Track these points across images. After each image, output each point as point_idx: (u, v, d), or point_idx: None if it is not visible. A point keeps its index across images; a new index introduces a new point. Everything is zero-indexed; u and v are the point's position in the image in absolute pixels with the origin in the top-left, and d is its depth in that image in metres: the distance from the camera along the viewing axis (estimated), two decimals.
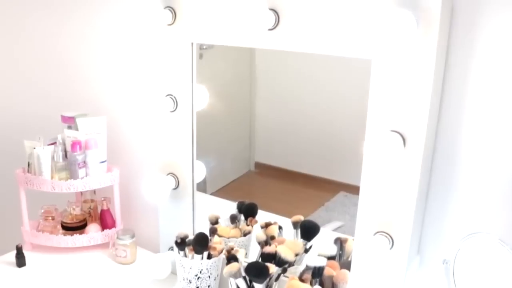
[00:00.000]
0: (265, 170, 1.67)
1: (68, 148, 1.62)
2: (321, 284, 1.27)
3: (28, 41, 1.96)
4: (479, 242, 1.16)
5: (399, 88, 1.09)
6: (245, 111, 1.62)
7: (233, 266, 1.30)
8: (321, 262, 1.28)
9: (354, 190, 1.48)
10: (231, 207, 1.58)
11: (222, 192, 1.65)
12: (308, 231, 1.44)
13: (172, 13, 1.36)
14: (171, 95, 1.44)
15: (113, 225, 1.72)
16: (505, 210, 1.13)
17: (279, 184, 1.64)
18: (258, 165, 1.67)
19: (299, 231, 1.46)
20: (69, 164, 1.61)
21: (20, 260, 1.61)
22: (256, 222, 1.53)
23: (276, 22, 1.20)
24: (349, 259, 1.38)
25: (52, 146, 1.61)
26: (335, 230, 1.49)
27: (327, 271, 1.29)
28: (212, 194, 1.65)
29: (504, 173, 1.12)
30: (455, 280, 1.20)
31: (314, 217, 1.50)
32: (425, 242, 1.26)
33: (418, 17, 1.02)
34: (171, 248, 1.57)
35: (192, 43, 1.38)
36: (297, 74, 1.51)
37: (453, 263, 1.19)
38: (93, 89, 1.81)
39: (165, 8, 1.37)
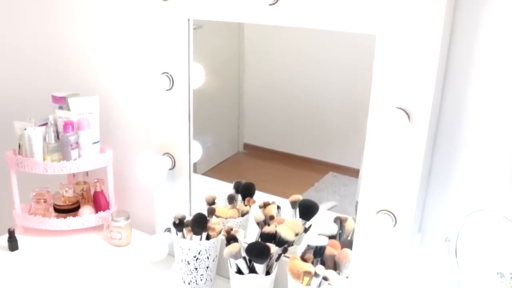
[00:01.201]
0: (253, 151, 1.65)
1: (60, 129, 1.58)
2: (322, 263, 1.26)
3: (16, 21, 1.89)
4: (482, 219, 1.16)
5: (404, 63, 1.07)
6: (233, 92, 1.59)
7: (234, 246, 1.28)
8: (323, 241, 1.27)
9: (343, 170, 1.48)
10: (223, 187, 1.56)
11: (211, 173, 1.63)
12: (307, 210, 1.43)
13: None
14: (167, 73, 1.40)
15: (107, 207, 1.69)
16: (508, 187, 1.12)
17: (267, 165, 1.63)
18: (246, 146, 1.65)
19: (297, 210, 1.44)
20: (61, 145, 1.56)
21: (13, 244, 1.57)
22: (254, 202, 1.51)
23: None
24: (349, 238, 1.37)
25: (44, 127, 1.57)
26: (329, 210, 1.48)
27: (328, 251, 1.28)
28: (202, 174, 1.63)
29: (508, 150, 1.11)
30: (457, 258, 1.19)
31: (304, 197, 1.49)
32: (426, 220, 1.25)
33: None
34: (168, 229, 1.55)
35: (188, 19, 1.34)
36: (286, 54, 1.49)
37: (455, 241, 1.19)
38: (85, 69, 1.77)
39: None
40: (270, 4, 1.17)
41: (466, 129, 1.14)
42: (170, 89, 1.41)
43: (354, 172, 1.46)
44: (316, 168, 1.53)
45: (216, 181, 1.61)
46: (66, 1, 1.73)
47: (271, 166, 1.62)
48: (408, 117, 1.09)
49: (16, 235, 1.59)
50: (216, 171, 1.63)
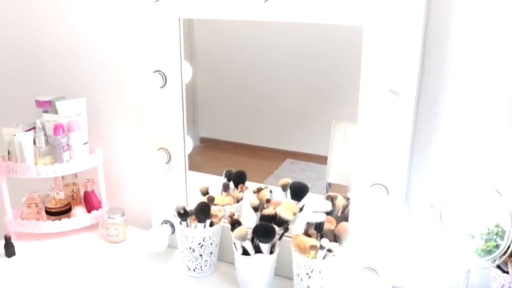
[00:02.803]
0: (211, 144, 1.71)
1: (49, 133, 1.59)
2: (322, 237, 1.36)
3: None
4: (463, 185, 1.29)
5: (390, 50, 1.18)
6: (187, 88, 1.58)
7: (242, 229, 1.36)
8: (322, 217, 1.37)
9: (299, 156, 1.57)
10: (199, 178, 1.62)
11: None
12: (299, 191, 1.52)
13: None
14: (160, 71, 1.46)
15: (99, 206, 1.72)
16: (484, 154, 1.27)
17: (226, 157, 1.69)
18: (203, 140, 1.70)
19: (288, 192, 1.54)
20: (52, 148, 1.58)
21: (10, 250, 1.57)
22: (247, 188, 1.59)
23: None
24: (339, 214, 1.48)
25: (32, 131, 1.58)
26: None
27: (326, 226, 1.39)
28: None
29: (481, 121, 1.25)
30: (442, 221, 1.33)
31: (266, 184, 1.57)
32: (411, 191, 1.38)
33: None
34: (165, 222, 1.61)
35: (179, 19, 1.40)
36: (236, 47, 1.54)
37: (440, 207, 1.32)
38: (67, 71, 1.77)
39: None
40: (265, 1, 1.25)
41: (445, 101, 1.27)
42: (163, 86, 1.47)
43: (310, 158, 1.57)
44: (274, 156, 1.60)
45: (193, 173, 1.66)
46: (54, 1, 1.72)
47: (230, 158, 1.68)
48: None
49: None
50: None
